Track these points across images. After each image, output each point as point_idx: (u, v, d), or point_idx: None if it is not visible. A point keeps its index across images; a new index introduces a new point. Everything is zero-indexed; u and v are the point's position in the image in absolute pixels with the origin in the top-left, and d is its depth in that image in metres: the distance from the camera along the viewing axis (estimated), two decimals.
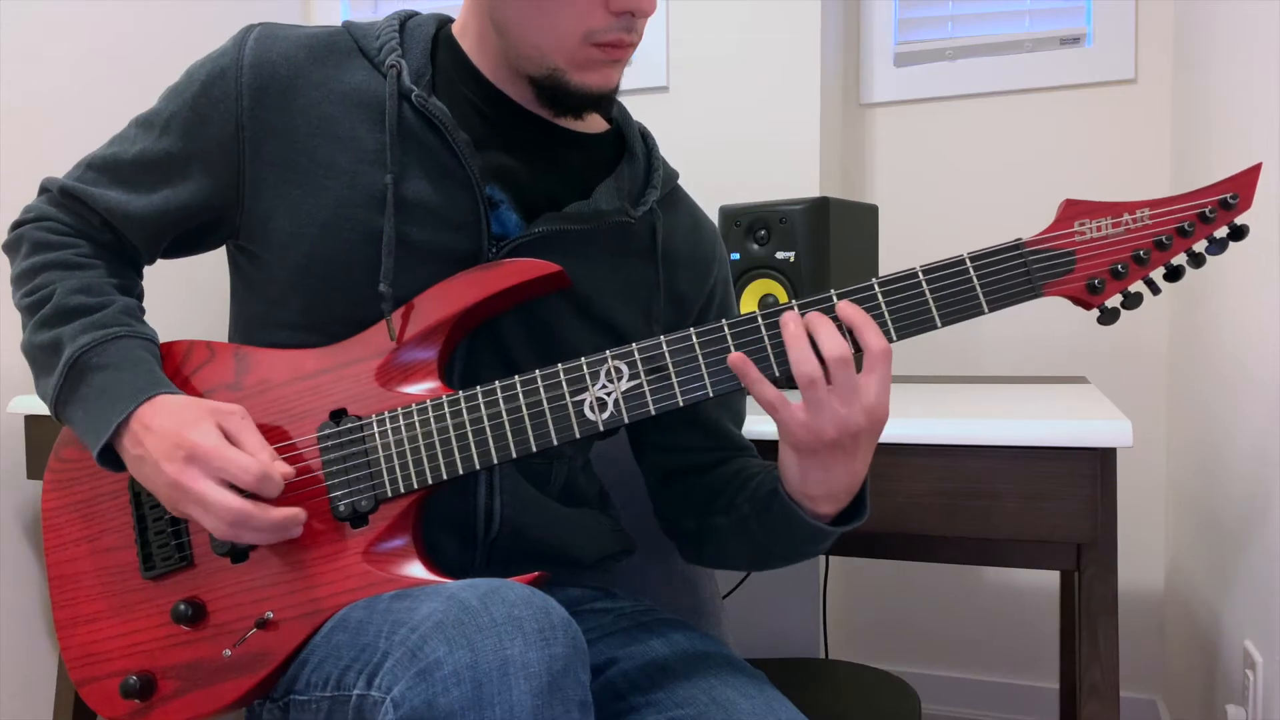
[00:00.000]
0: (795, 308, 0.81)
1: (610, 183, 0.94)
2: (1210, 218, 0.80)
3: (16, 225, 0.98)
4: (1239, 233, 0.80)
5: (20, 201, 1.01)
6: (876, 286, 0.81)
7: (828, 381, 0.78)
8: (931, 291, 0.81)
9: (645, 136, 1.02)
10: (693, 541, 1.02)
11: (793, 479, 0.84)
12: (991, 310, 0.80)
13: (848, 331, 0.80)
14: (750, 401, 1.23)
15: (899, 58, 2.01)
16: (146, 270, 1.01)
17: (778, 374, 0.82)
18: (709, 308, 1.05)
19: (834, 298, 0.81)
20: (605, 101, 0.91)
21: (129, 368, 0.87)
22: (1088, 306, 0.82)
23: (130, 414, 0.85)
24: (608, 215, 0.93)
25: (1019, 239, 0.81)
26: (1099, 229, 0.81)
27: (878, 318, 0.81)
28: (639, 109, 1.09)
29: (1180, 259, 0.81)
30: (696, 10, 1.89)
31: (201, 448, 0.81)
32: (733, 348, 0.82)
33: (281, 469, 0.83)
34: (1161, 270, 0.81)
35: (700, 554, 1.02)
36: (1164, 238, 0.80)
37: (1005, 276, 0.81)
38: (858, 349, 0.80)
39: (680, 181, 1.06)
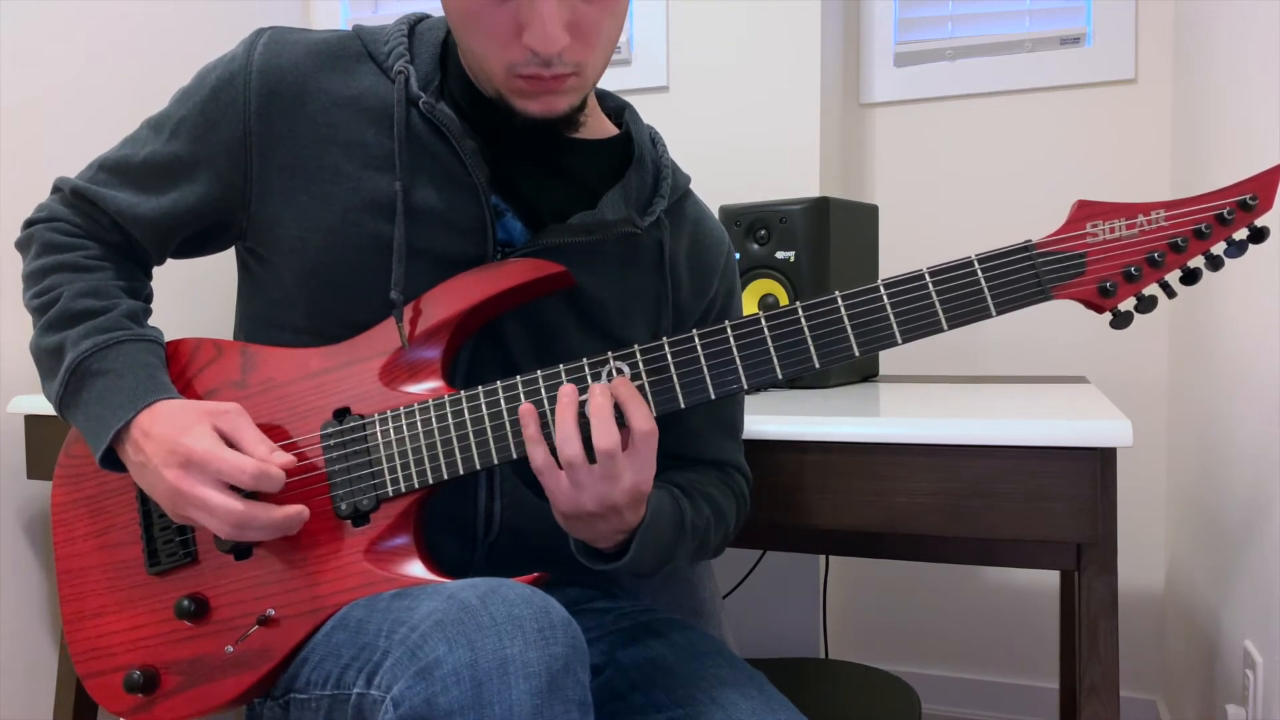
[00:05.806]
0: (799, 309, 0.81)
1: (617, 191, 0.93)
2: (1229, 219, 0.78)
3: (29, 224, 0.98)
4: (1259, 235, 0.78)
5: (24, 200, 1.01)
6: (882, 288, 0.81)
7: (591, 462, 0.78)
8: (938, 293, 0.80)
9: (655, 141, 1.00)
10: None
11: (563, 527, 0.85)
12: (999, 313, 0.79)
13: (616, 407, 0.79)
14: (754, 401, 1.23)
15: (899, 58, 2.01)
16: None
17: (780, 375, 0.82)
18: (706, 318, 1.02)
19: (839, 299, 0.81)
20: (560, 125, 0.88)
21: (129, 373, 0.87)
22: (1099, 310, 0.80)
23: (129, 422, 0.85)
24: (613, 226, 0.91)
25: (1029, 240, 0.80)
26: (1112, 230, 0.79)
27: (883, 319, 0.81)
28: (639, 109, 1.08)
29: (1197, 261, 0.79)
30: (697, 10, 1.89)
31: (196, 452, 0.81)
32: (735, 350, 0.82)
33: (281, 459, 0.83)
34: (1177, 273, 0.79)
35: None
36: (1180, 240, 0.78)
37: (1014, 279, 0.79)
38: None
39: None
